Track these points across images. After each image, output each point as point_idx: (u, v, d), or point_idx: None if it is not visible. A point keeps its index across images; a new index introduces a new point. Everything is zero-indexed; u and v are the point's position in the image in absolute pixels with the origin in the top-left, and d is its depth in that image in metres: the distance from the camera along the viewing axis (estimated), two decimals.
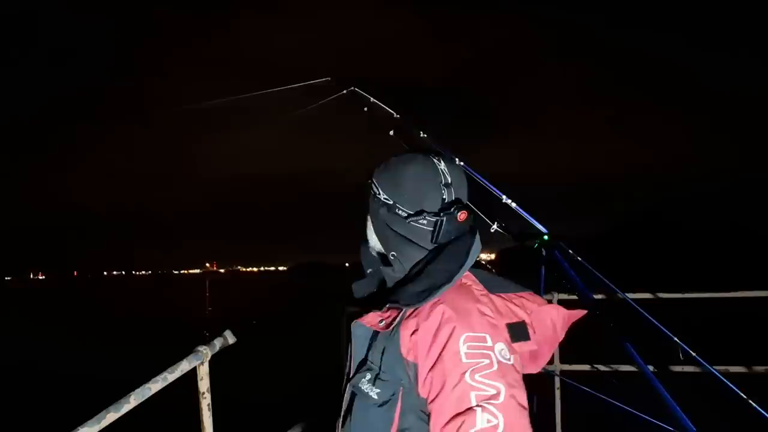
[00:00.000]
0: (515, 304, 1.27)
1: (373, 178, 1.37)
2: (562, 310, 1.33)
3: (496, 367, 1.11)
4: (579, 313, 1.36)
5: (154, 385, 1.59)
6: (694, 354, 2.14)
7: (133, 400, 1.52)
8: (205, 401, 1.83)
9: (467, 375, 1.10)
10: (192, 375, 1.79)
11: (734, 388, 2.02)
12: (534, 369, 1.35)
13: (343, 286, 1.54)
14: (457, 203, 1.30)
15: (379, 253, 1.40)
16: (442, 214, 1.27)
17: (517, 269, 1.37)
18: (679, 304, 3.96)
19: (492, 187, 2.15)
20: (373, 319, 1.24)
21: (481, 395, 1.08)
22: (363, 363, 1.24)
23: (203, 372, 1.81)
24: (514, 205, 2.17)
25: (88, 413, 1.42)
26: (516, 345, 1.20)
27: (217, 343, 1.89)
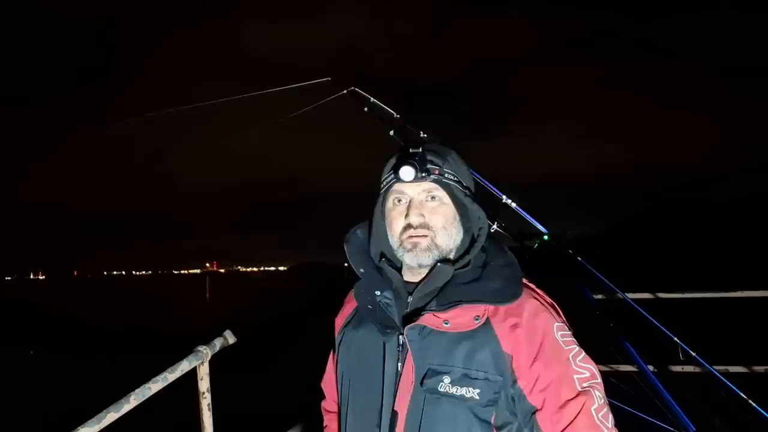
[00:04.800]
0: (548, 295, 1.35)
1: (443, 167, 1.29)
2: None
3: (583, 351, 1.22)
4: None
5: (154, 385, 1.59)
6: (694, 354, 2.14)
7: (133, 400, 1.51)
8: (205, 401, 1.83)
9: (571, 361, 1.18)
10: (192, 375, 1.78)
11: (734, 388, 2.02)
12: None
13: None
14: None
15: (443, 256, 1.29)
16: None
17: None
18: (679, 304, 3.96)
19: (492, 187, 2.15)
20: (432, 321, 1.21)
21: (583, 377, 1.18)
22: (425, 368, 1.20)
23: (203, 372, 1.81)
24: (514, 205, 2.17)
25: (88, 413, 1.42)
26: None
27: (217, 343, 1.89)
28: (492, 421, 1.17)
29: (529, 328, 1.19)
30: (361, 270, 1.37)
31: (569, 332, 1.23)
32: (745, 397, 2.04)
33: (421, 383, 1.20)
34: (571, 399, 1.15)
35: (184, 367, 1.71)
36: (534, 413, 1.17)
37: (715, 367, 2.06)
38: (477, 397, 1.16)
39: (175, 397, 2.12)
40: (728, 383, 1.99)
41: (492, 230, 2.08)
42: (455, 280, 1.25)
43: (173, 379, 1.66)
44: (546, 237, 2.06)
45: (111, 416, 1.44)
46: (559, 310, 1.28)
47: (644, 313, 2.10)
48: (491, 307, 1.21)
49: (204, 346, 1.81)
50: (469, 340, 1.19)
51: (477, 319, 1.20)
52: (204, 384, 1.81)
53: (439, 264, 1.26)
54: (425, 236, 1.26)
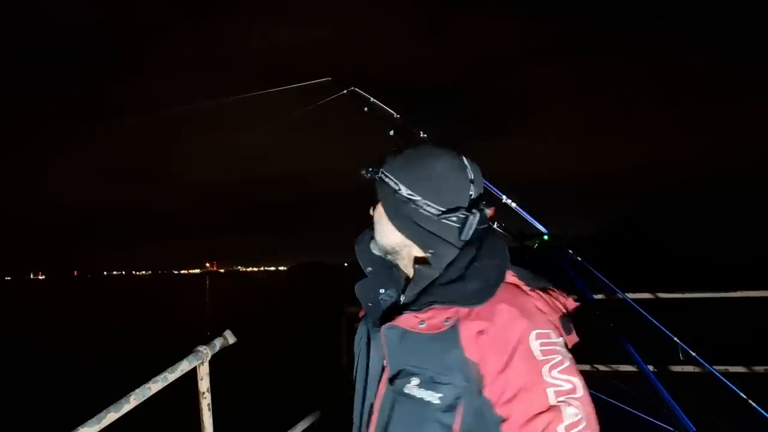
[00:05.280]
0: (554, 299, 1.26)
1: (386, 173, 1.29)
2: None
3: (568, 362, 1.13)
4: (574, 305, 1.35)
5: (154, 385, 1.59)
6: (694, 354, 2.14)
7: (133, 400, 1.51)
8: (205, 401, 1.83)
9: (545, 372, 1.10)
10: (192, 375, 1.79)
11: (734, 388, 2.02)
12: None
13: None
14: (482, 199, 1.28)
15: (387, 252, 1.33)
16: (473, 210, 1.24)
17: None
18: (679, 304, 3.96)
19: (492, 187, 2.14)
20: (409, 321, 1.19)
21: (561, 390, 1.09)
22: (397, 367, 1.20)
23: (203, 372, 1.81)
24: (514, 205, 2.17)
25: (88, 413, 1.42)
26: (568, 338, 1.21)
27: (217, 343, 1.89)
28: (454, 427, 1.13)
29: (498, 335, 1.13)
30: (369, 269, 1.37)
31: (554, 341, 1.15)
32: (745, 397, 2.04)
33: (392, 382, 1.20)
34: (539, 413, 1.07)
35: (184, 367, 1.72)
36: (501, 423, 1.11)
37: (715, 367, 2.06)
38: (438, 402, 1.13)
39: (175, 397, 2.12)
40: (728, 383, 1.99)
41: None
42: (438, 280, 1.24)
43: (173, 379, 1.66)
44: (546, 237, 2.06)
45: (111, 416, 1.44)
46: (554, 315, 1.21)
47: (644, 313, 2.09)
48: (464, 310, 1.17)
49: (204, 346, 1.82)
50: (439, 342, 1.16)
51: (447, 321, 1.16)
52: (204, 384, 1.82)
53: (416, 266, 1.28)
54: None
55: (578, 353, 1.22)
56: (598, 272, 2.05)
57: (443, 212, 1.24)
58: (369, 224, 1.40)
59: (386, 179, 1.29)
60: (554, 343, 1.14)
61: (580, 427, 1.07)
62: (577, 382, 1.11)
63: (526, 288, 1.24)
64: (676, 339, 2.19)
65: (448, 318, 1.17)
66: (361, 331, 1.39)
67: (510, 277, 1.25)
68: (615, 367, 3.64)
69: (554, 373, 1.10)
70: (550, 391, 1.09)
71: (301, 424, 2.76)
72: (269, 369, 15.08)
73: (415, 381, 1.16)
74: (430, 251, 1.27)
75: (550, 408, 1.07)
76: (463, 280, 1.20)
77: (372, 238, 1.39)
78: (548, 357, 1.12)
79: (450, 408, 1.13)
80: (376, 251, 1.37)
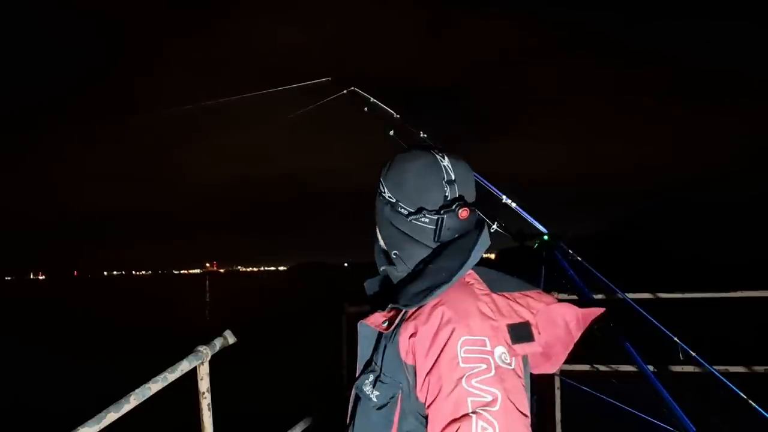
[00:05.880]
0: (519, 304, 1.22)
1: (380, 177, 1.36)
2: (576, 309, 1.27)
3: (493, 372, 1.08)
4: (596, 312, 1.29)
5: (154, 385, 1.59)
6: (694, 354, 2.14)
7: (133, 400, 1.52)
8: (205, 401, 1.83)
9: (464, 380, 1.07)
10: (192, 375, 1.79)
11: (734, 388, 2.02)
12: (549, 369, 1.30)
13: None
14: (460, 200, 1.26)
15: (384, 252, 1.38)
16: (442, 211, 1.24)
17: (517, 269, 1.36)
18: (679, 304, 3.96)
19: (492, 187, 2.14)
20: (377, 320, 1.22)
21: (477, 401, 1.05)
22: (368, 364, 1.23)
23: (203, 372, 1.81)
24: (514, 205, 2.17)
25: (88, 413, 1.42)
26: (517, 347, 1.15)
27: (217, 343, 1.89)
28: (394, 426, 1.15)
29: (428, 338, 1.12)
30: (383, 268, 1.40)
31: (485, 349, 1.10)
32: (745, 397, 2.03)
33: (357, 378, 1.24)
34: (453, 421, 1.05)
35: (184, 367, 1.72)
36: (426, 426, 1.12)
37: (715, 367, 2.06)
38: (375, 400, 1.17)
39: (175, 397, 2.12)
40: (728, 383, 1.99)
41: (492, 230, 2.08)
42: (401, 282, 1.27)
43: (173, 379, 1.66)
44: (546, 237, 2.06)
45: (111, 416, 1.44)
46: (496, 323, 1.15)
47: (644, 313, 2.09)
48: (410, 310, 1.18)
49: (204, 346, 1.82)
50: (386, 342, 1.19)
51: (385, 323, 1.20)
52: (204, 384, 1.82)
53: (385, 267, 1.36)
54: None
55: (578, 353, 1.21)
56: (598, 272, 2.05)
57: (411, 213, 1.27)
58: (372, 223, 1.43)
59: (379, 183, 1.35)
60: (483, 352, 1.10)
61: None
62: (499, 394, 1.06)
63: (479, 291, 1.21)
64: (676, 339, 2.19)
65: (393, 318, 1.19)
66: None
67: (469, 278, 1.24)
68: (615, 367, 3.64)
69: (473, 382, 1.07)
70: (468, 401, 1.05)
71: (300, 424, 2.76)
72: (269, 369, 15.08)
73: (370, 377, 1.20)
74: (395, 252, 1.31)
75: (462, 417, 1.04)
76: (414, 281, 1.21)
77: None
78: (470, 365, 1.08)
79: (383, 407, 1.16)
80: (379, 251, 1.42)
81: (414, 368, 1.14)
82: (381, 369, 1.18)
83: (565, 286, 1.97)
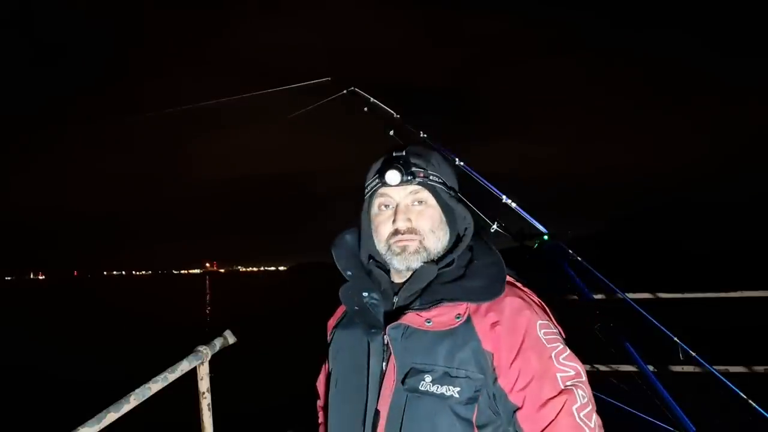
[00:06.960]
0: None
1: (427, 170, 1.32)
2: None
3: (568, 349, 1.21)
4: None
5: (154, 385, 1.59)
6: (694, 354, 2.14)
7: (133, 400, 1.51)
8: (205, 401, 1.83)
9: (553, 359, 1.17)
10: (192, 375, 1.78)
11: (734, 388, 2.02)
12: None
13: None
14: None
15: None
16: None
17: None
18: (679, 304, 3.96)
19: (492, 187, 2.15)
20: (414, 320, 1.22)
21: (566, 376, 1.16)
22: (406, 367, 1.21)
23: (203, 372, 1.81)
24: (514, 205, 2.17)
25: (88, 413, 1.42)
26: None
27: (217, 343, 1.89)
28: (473, 420, 1.16)
29: (510, 325, 1.19)
30: (349, 272, 1.39)
31: (554, 330, 1.22)
32: (745, 397, 2.04)
33: (403, 382, 1.21)
34: (552, 398, 1.13)
35: (184, 367, 1.71)
36: (516, 412, 1.16)
37: (715, 367, 2.06)
38: (457, 396, 1.16)
39: (175, 397, 2.12)
40: (728, 383, 1.99)
41: (492, 230, 2.09)
42: (439, 279, 1.27)
43: (173, 379, 1.66)
44: (546, 237, 2.06)
45: (111, 416, 1.44)
46: (546, 308, 1.28)
47: (644, 313, 2.10)
48: (473, 306, 1.22)
49: (204, 346, 1.82)
50: (450, 339, 1.20)
51: (458, 318, 1.21)
52: (204, 384, 1.81)
53: (423, 264, 1.29)
54: (413, 240, 1.29)
55: (578, 353, 1.23)
56: (598, 272, 2.05)
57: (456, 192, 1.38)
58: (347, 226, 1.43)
59: (433, 176, 1.36)
60: (555, 332, 1.22)
61: (589, 409, 1.14)
62: (579, 368, 1.19)
63: (519, 284, 1.30)
64: (676, 339, 2.19)
65: (459, 314, 1.21)
66: (346, 338, 1.38)
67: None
68: (615, 367, 3.64)
69: (561, 359, 1.18)
70: (559, 377, 1.15)
71: (300, 424, 2.76)
72: (269, 369, 15.07)
73: (428, 378, 1.18)
74: (465, 227, 1.36)
75: (562, 391, 1.14)
76: (467, 277, 1.26)
77: (350, 240, 1.43)
78: (554, 345, 1.19)
79: (470, 401, 1.17)
80: (363, 255, 1.40)
81: (493, 356, 1.19)
82: (445, 366, 1.19)
83: (565, 286, 1.97)
